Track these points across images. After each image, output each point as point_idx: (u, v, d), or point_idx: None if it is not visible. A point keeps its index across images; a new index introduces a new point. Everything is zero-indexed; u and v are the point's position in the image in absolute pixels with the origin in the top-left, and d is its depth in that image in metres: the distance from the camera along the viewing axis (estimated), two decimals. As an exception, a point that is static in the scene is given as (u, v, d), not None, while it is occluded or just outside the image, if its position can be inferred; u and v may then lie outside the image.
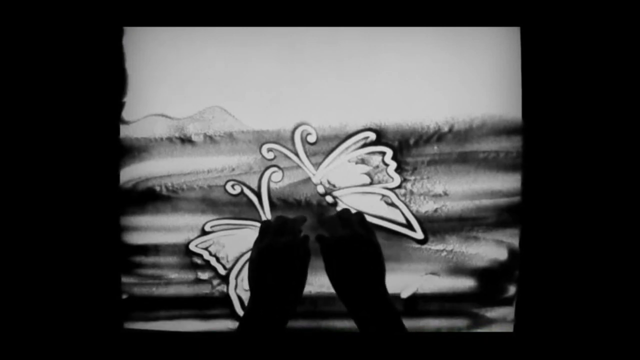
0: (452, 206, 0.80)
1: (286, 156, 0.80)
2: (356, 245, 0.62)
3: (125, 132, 0.80)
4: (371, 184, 0.80)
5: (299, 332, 0.80)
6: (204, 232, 0.81)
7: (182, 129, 0.80)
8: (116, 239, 0.81)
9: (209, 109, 0.80)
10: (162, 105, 0.80)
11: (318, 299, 0.80)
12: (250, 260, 0.64)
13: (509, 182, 0.79)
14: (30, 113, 0.80)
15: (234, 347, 0.56)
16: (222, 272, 0.81)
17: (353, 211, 0.72)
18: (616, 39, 0.78)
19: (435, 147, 0.79)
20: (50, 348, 0.81)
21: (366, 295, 0.59)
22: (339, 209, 0.80)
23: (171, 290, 0.82)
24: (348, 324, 0.65)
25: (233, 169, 0.80)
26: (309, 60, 0.79)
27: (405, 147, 0.79)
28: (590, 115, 0.78)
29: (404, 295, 0.80)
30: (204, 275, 0.81)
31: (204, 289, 0.82)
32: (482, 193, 0.79)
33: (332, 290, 0.64)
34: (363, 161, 0.80)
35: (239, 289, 0.81)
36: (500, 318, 0.81)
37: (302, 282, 0.63)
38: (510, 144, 0.79)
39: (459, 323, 0.81)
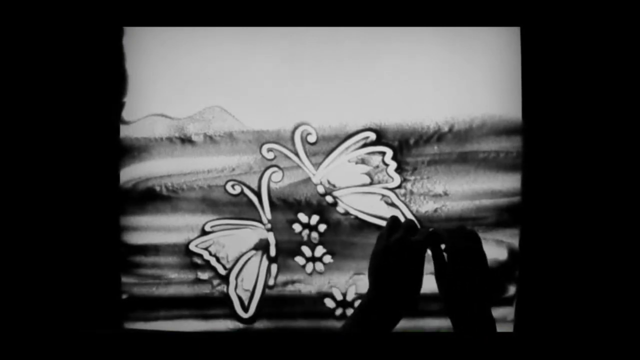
0: (452, 206, 0.79)
1: (286, 156, 0.80)
2: (481, 257, 0.60)
3: (125, 132, 0.80)
4: (371, 184, 0.80)
5: (303, 331, 0.80)
6: (204, 232, 0.81)
7: (182, 129, 0.80)
8: (116, 239, 0.81)
9: (209, 109, 0.80)
10: (162, 105, 0.80)
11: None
12: (375, 254, 0.61)
13: (509, 182, 0.79)
14: (31, 113, 0.80)
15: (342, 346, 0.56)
16: (222, 272, 0.81)
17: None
18: (616, 39, 0.78)
19: (435, 147, 0.79)
20: (51, 348, 0.81)
21: (475, 309, 0.60)
22: (339, 209, 0.80)
23: (171, 290, 0.82)
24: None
25: (233, 169, 0.80)
26: (309, 60, 0.79)
27: (405, 147, 0.79)
28: (590, 115, 0.78)
29: (404, 295, 0.80)
30: (204, 275, 0.81)
31: (204, 289, 0.82)
32: (482, 193, 0.79)
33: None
34: (363, 161, 0.80)
35: (239, 289, 0.81)
36: (500, 318, 0.81)
37: (420, 283, 0.62)
38: (510, 144, 0.79)
39: (459, 323, 0.81)
